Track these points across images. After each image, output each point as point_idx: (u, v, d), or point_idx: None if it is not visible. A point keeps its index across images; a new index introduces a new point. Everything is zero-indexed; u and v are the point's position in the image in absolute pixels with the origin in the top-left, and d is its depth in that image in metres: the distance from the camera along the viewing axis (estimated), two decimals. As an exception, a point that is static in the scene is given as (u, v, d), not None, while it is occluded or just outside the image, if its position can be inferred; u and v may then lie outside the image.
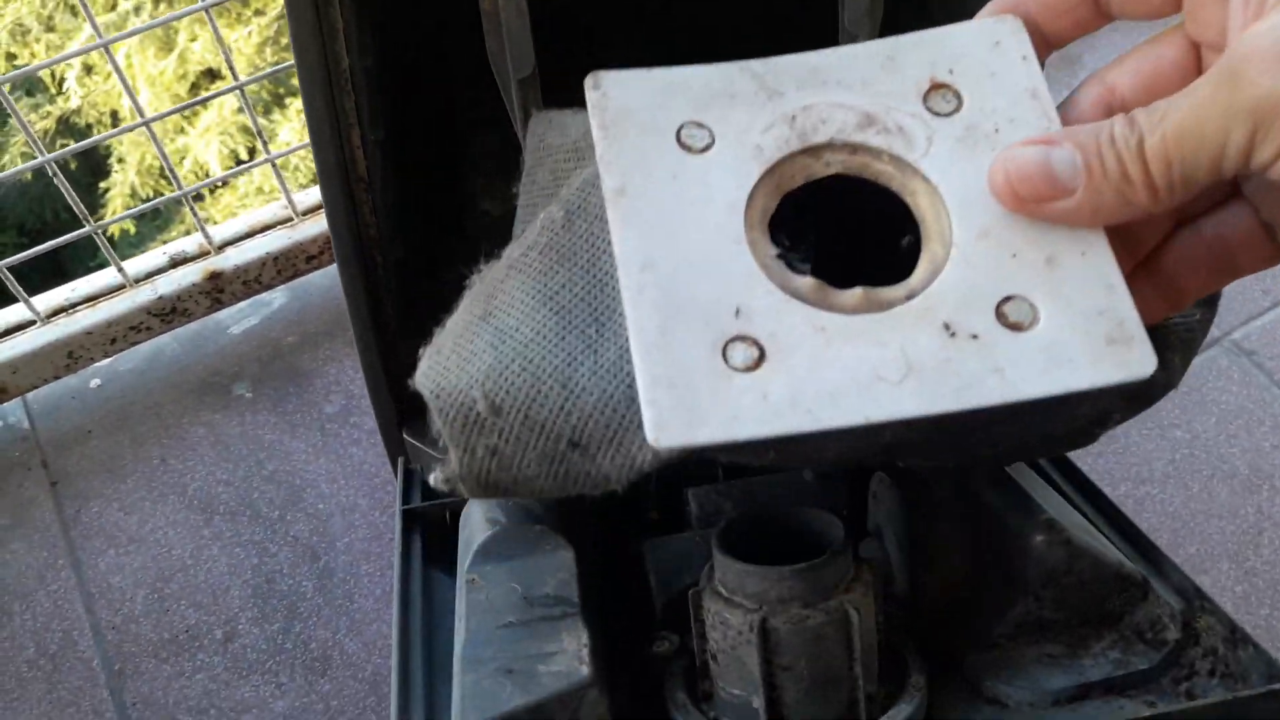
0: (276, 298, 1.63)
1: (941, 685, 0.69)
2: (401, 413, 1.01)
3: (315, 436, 1.54)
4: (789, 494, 0.86)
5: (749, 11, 1.14)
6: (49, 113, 3.80)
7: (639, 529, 0.90)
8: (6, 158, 3.87)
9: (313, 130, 0.80)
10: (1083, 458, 1.47)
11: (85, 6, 1.24)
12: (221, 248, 1.49)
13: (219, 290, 1.48)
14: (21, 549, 1.46)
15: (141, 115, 1.34)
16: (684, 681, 0.69)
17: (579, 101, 0.49)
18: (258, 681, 1.36)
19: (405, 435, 1.01)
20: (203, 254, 1.49)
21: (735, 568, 0.63)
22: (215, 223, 1.51)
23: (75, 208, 1.37)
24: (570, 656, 0.66)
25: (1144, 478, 1.47)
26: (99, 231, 1.40)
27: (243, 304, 1.57)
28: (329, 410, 1.56)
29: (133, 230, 3.92)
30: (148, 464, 1.53)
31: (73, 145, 1.41)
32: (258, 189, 3.79)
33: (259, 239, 1.51)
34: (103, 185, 3.93)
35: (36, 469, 1.52)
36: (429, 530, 0.93)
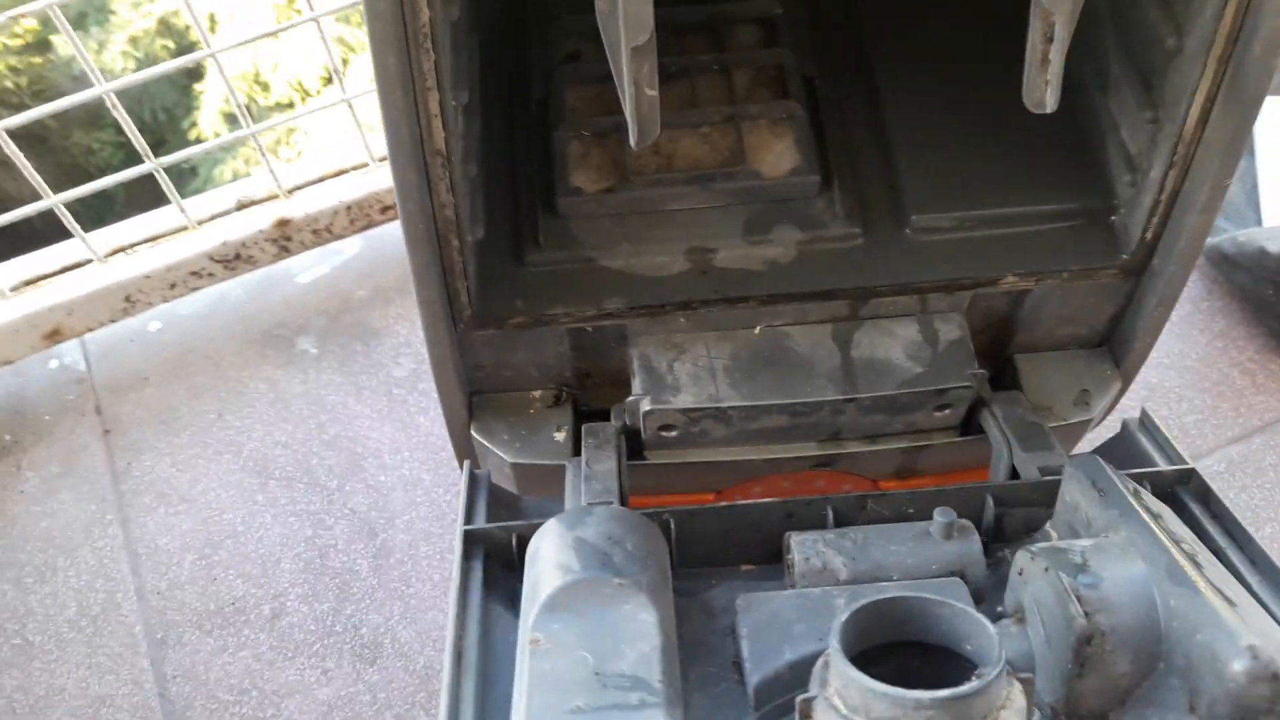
0: (348, 247, 1.52)
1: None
2: (471, 408, 0.89)
3: (381, 401, 1.43)
4: (913, 552, 0.72)
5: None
6: (150, 13, 3.74)
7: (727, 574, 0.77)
8: (108, 54, 3.84)
9: (383, 95, 0.66)
10: (1224, 490, 1.30)
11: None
12: (292, 192, 1.37)
13: (287, 238, 1.37)
14: (70, 500, 1.38)
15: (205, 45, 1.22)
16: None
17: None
18: (303, 664, 1.27)
19: (474, 433, 0.88)
20: (271, 197, 1.37)
21: (859, 684, 0.50)
22: (293, 151, 1.36)
23: (135, 142, 1.26)
24: None
25: None
26: (159, 169, 1.29)
27: (313, 251, 1.45)
28: (397, 373, 1.45)
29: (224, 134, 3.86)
30: (204, 418, 1.44)
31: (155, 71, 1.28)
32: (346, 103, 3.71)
33: (332, 184, 1.39)
34: (197, 88, 3.88)
35: (90, 415, 1.44)
36: (492, 554, 0.81)
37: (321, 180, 1.38)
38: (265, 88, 3.68)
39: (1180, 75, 0.73)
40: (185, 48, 4.02)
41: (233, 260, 1.37)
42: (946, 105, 0.90)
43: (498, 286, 0.83)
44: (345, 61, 3.77)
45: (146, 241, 1.36)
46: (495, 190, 0.85)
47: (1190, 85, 0.72)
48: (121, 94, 1.22)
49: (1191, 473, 0.81)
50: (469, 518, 0.82)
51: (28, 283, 1.34)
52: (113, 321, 1.39)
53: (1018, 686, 0.52)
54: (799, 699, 0.53)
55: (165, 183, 1.32)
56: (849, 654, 0.51)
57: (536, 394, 0.89)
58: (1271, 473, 1.34)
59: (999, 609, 0.68)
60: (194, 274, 1.36)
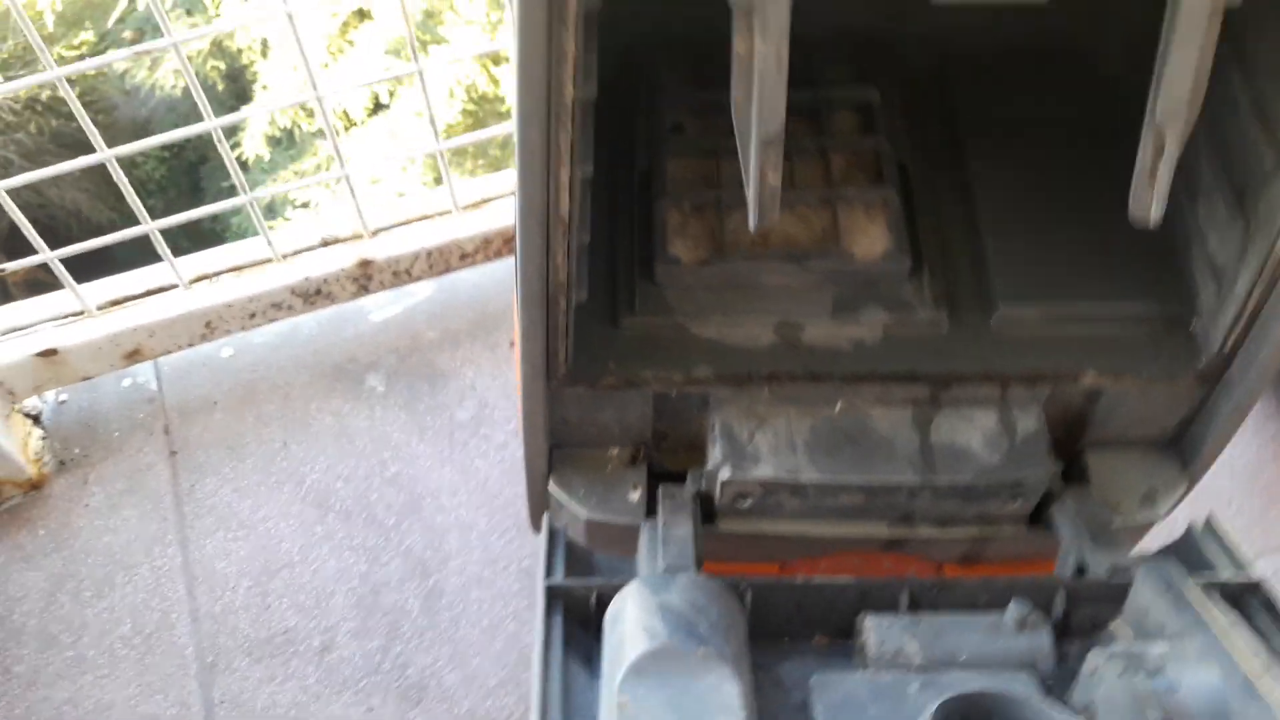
0: (423, 289, 1.55)
1: None
2: (550, 461, 0.91)
3: (443, 443, 1.45)
4: (986, 642, 0.73)
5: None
6: (203, 35, 3.83)
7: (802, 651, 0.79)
8: (160, 74, 3.91)
9: (523, 165, 0.69)
10: None
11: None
12: (375, 233, 1.41)
13: (368, 277, 1.40)
14: (133, 516, 1.41)
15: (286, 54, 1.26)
16: None
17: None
18: (349, 700, 1.28)
19: (552, 485, 0.91)
20: (355, 237, 1.41)
21: None
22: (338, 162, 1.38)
23: (235, 177, 1.30)
24: None
25: None
26: (253, 203, 1.33)
27: (388, 291, 1.49)
28: (461, 416, 1.47)
29: (267, 158, 3.92)
30: (269, 446, 1.46)
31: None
32: (390, 133, 3.73)
33: (414, 228, 1.42)
34: (244, 110, 3.95)
35: (159, 434, 1.47)
36: (571, 610, 0.83)
37: (405, 224, 1.42)
38: (309, 114, 3.74)
39: (1277, 192, 0.75)
40: (235, 71, 4.10)
41: (313, 295, 1.40)
42: (1036, 200, 0.92)
43: (593, 347, 0.85)
44: (392, 94, 3.82)
45: (231, 270, 1.40)
46: (597, 254, 0.88)
47: None
48: (170, 110, 1.26)
49: (1259, 585, 0.81)
50: (549, 571, 0.84)
51: (114, 303, 1.37)
52: (190, 345, 1.43)
53: None
54: None
55: (255, 215, 1.37)
56: None
57: (614, 451, 0.91)
58: None
59: (1066, 705, 0.69)
60: (274, 305, 1.40)
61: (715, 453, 0.85)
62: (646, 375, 0.84)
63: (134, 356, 1.41)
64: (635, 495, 0.89)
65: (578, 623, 0.78)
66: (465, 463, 1.44)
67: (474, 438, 1.45)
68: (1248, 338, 0.82)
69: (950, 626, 0.74)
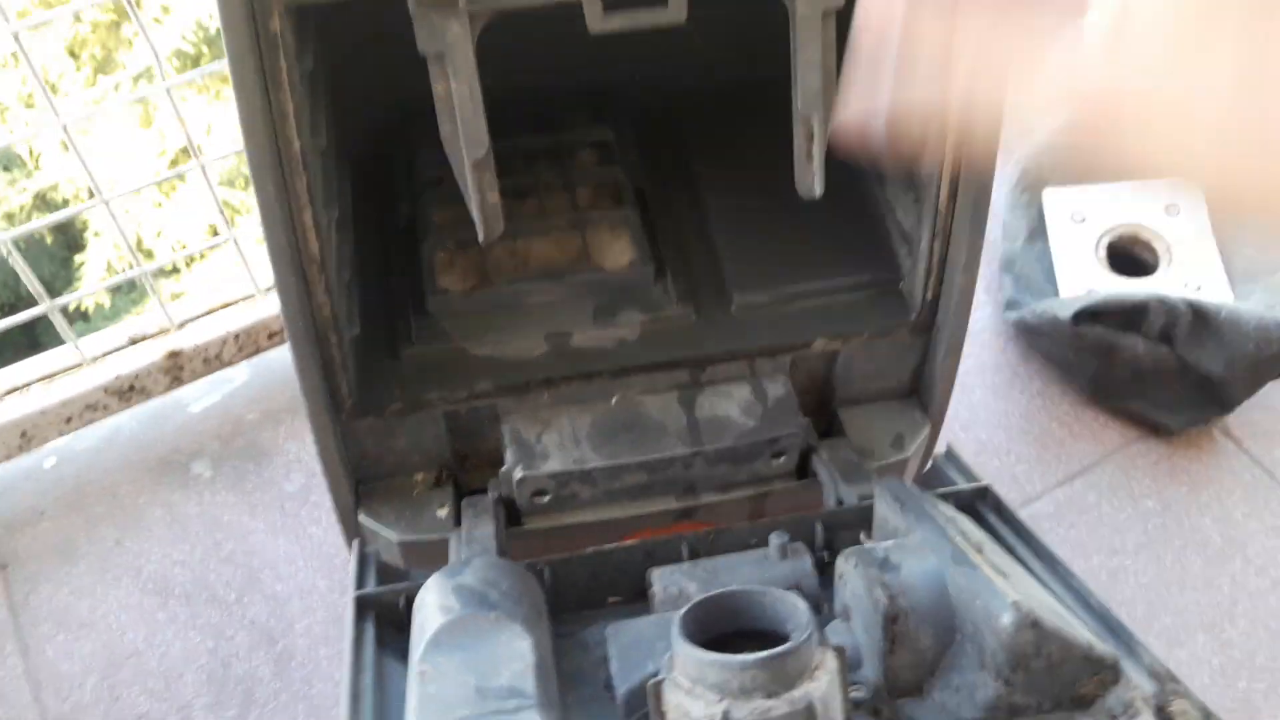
0: (238, 374, 1.60)
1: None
2: (358, 494, 0.99)
3: (274, 516, 1.50)
4: (755, 572, 0.84)
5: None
6: (24, 189, 3.78)
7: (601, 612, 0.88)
8: None
9: (263, 212, 0.78)
10: (1054, 528, 1.47)
11: (45, 92, 1.23)
12: (183, 325, 1.46)
13: (179, 368, 1.46)
14: None
15: (99, 193, 1.32)
16: (645, 774, 0.67)
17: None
18: (212, 772, 1.31)
19: (361, 517, 0.98)
20: (162, 332, 1.46)
21: (695, 657, 0.61)
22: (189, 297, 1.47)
23: (30, 286, 1.35)
24: None
25: (1117, 549, 1.46)
26: (57, 310, 1.37)
27: (203, 380, 1.54)
28: (289, 489, 1.53)
29: (108, 305, 3.85)
30: (102, 545, 1.48)
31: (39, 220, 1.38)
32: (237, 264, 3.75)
33: (220, 315, 1.48)
34: (78, 259, 3.88)
35: (-13, 552, 1.47)
36: (382, 616, 0.90)
37: (210, 313, 1.48)
38: (149, 255, 3.72)
39: (932, 161, 0.90)
40: (65, 222, 4.02)
41: (127, 391, 1.44)
42: (759, 202, 1.06)
43: (376, 379, 0.94)
44: (231, 223, 3.83)
45: (41, 380, 1.43)
46: (371, 295, 0.97)
47: (939, 168, 0.89)
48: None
49: (986, 489, 0.95)
50: (360, 584, 0.92)
51: None
52: (9, 458, 1.45)
53: (831, 653, 0.64)
54: (650, 683, 0.63)
55: (60, 322, 1.40)
56: (692, 643, 0.61)
57: (419, 477, 0.99)
58: (1094, 510, 1.51)
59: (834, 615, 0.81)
60: (89, 407, 1.43)
61: (508, 457, 0.94)
62: (432, 397, 0.93)
63: (-51, 477, 1.42)
64: (443, 512, 0.97)
65: (393, 627, 0.86)
66: (298, 530, 1.49)
67: (304, 506, 1.51)
68: (942, 287, 0.97)
69: (724, 565, 0.84)
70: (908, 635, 0.71)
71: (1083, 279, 1.59)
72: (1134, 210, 1.64)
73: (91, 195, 1.32)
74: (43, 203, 3.94)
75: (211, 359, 1.48)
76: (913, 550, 0.75)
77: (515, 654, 0.71)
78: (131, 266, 1.39)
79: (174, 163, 3.80)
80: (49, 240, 4.04)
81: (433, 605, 0.76)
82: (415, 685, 0.70)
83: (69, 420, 1.44)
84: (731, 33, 1.04)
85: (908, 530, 0.79)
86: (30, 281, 1.35)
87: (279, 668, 1.38)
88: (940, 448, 1.01)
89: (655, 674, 0.63)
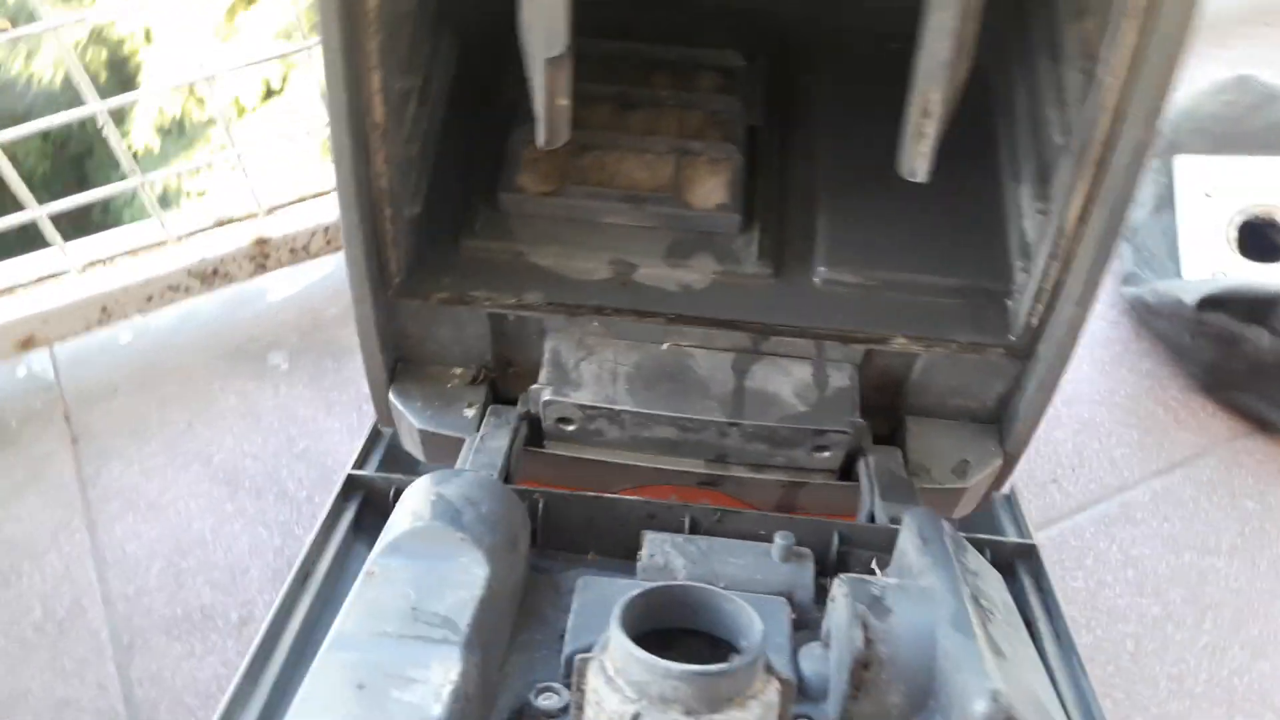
0: (323, 267, 1.58)
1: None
2: (393, 373, 0.94)
3: (352, 416, 1.47)
4: (749, 567, 0.76)
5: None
6: (82, 20, 3.81)
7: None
8: (37, 64, 3.82)
9: (327, 68, 0.74)
10: (1147, 520, 1.37)
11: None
12: (271, 210, 1.44)
13: (264, 255, 1.44)
14: (36, 505, 1.40)
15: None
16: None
17: None
18: (268, 670, 1.27)
19: (391, 395, 0.94)
20: (249, 216, 1.44)
21: (625, 648, 0.55)
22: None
23: (124, 161, 1.33)
24: (429, 690, 0.58)
25: (1210, 548, 1.35)
26: (147, 184, 1.37)
27: (287, 269, 1.52)
28: (367, 390, 1.49)
29: (157, 148, 3.86)
30: (173, 428, 1.47)
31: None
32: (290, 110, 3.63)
33: (308, 206, 1.46)
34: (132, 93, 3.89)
35: (58, 423, 1.47)
36: (371, 502, 0.85)
37: (300, 200, 1.46)
38: (200, 102, 3.73)
39: (1066, 172, 0.81)
40: (118, 60, 4.03)
41: (210, 275, 1.43)
42: (876, 172, 0.97)
43: (431, 265, 0.90)
44: (284, 79, 3.77)
45: (125, 254, 1.42)
46: (448, 176, 0.93)
47: (1072, 183, 0.79)
48: (50, 103, 1.30)
49: (1033, 548, 0.85)
50: (359, 464, 0.87)
51: (3, 291, 1.39)
52: (87, 331, 1.45)
53: (776, 684, 0.56)
54: (578, 657, 0.58)
55: (148, 198, 1.40)
56: (633, 632, 0.56)
57: (458, 371, 0.95)
58: (1190, 504, 1.39)
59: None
60: (170, 288, 1.43)
61: (542, 375, 0.89)
62: (479, 295, 0.89)
63: (28, 344, 1.42)
64: (470, 412, 0.92)
65: (378, 515, 0.81)
66: (376, 433, 1.45)
67: (384, 411, 1.47)
68: (1050, 315, 0.87)
69: (719, 549, 0.78)
70: (877, 686, 0.63)
71: (1209, 260, 1.47)
72: (1272, 188, 1.51)
73: (148, 37, 1.29)
74: (98, 38, 3.94)
75: (299, 249, 1.46)
76: (914, 596, 0.66)
77: (465, 582, 0.67)
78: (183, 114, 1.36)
79: (231, 12, 3.74)
80: (103, 78, 4.04)
81: (406, 508, 0.73)
82: (360, 582, 0.67)
83: (149, 299, 1.44)
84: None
85: (920, 572, 0.69)
86: (123, 157, 1.33)
87: (343, 574, 1.34)
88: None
89: (590, 647, 0.59)
